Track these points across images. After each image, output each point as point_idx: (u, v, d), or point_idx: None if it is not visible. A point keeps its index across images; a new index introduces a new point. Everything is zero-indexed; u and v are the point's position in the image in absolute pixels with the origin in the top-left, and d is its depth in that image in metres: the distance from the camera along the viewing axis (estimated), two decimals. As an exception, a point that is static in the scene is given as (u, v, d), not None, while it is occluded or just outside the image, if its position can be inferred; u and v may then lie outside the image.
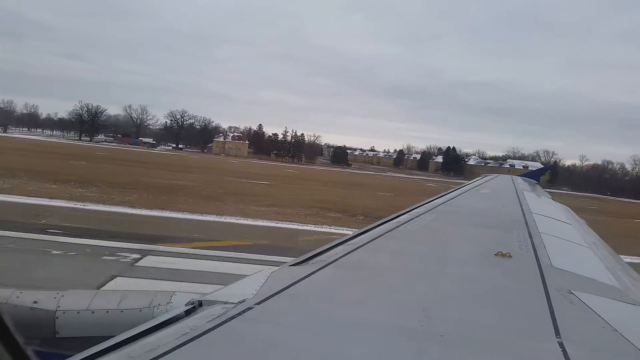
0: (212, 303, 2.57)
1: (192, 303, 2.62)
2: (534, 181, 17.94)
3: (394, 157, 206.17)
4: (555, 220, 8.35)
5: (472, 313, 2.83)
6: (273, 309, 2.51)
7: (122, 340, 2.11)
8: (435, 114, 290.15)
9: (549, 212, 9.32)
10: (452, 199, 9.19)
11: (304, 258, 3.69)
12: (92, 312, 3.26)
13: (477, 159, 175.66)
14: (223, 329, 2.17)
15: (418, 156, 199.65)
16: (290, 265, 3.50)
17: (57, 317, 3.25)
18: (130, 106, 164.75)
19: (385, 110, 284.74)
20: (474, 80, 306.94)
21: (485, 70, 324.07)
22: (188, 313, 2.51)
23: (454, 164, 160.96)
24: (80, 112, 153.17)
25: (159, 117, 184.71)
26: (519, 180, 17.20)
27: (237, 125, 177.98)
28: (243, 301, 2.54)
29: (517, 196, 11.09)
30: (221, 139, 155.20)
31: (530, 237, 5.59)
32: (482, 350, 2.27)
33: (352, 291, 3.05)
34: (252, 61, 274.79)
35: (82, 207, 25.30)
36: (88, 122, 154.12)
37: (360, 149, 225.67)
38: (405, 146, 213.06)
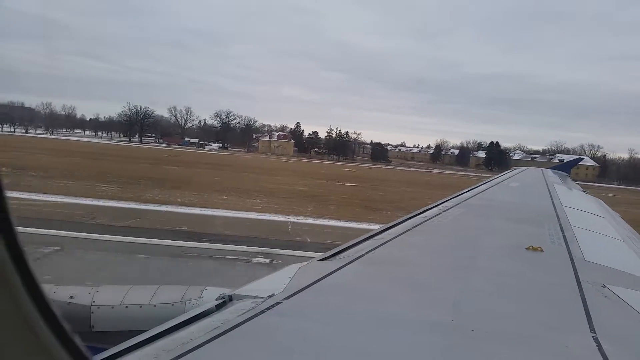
0: (241, 297, 2.61)
1: (223, 297, 2.66)
2: (565, 173, 17.68)
3: (430, 152, 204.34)
4: (587, 213, 8.22)
5: (503, 308, 2.80)
6: (301, 303, 2.53)
7: (156, 334, 2.17)
8: (454, 108, 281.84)
9: (580, 204, 9.18)
10: (480, 193, 9.05)
11: (331, 253, 3.69)
12: (126, 306, 3.36)
13: (522, 154, 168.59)
14: (253, 323, 2.21)
15: (456, 151, 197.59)
16: (318, 261, 3.52)
17: (92, 312, 3.35)
18: (175, 107, 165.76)
19: (402, 104, 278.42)
20: (493, 73, 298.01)
21: (502, 63, 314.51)
22: (219, 307, 2.56)
23: (498, 159, 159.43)
24: (129, 113, 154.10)
25: (199, 117, 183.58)
26: (549, 172, 16.97)
27: (270, 124, 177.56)
28: (272, 296, 2.58)
29: (548, 189, 10.91)
30: (267, 138, 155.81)
31: (562, 230, 5.54)
32: (514, 346, 2.24)
33: (379, 286, 3.05)
34: (267, 58, 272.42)
35: (304, 221, 25.76)
36: (137, 124, 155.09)
37: (390, 145, 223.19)
38: (439, 141, 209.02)
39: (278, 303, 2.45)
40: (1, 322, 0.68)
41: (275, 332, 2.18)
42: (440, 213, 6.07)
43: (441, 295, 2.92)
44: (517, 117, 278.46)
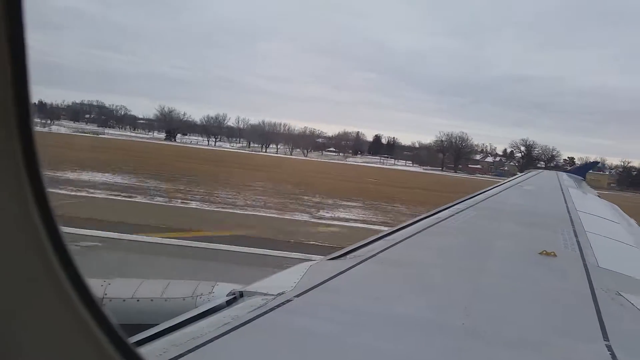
0: (252, 294, 2.60)
1: (233, 293, 2.66)
2: (580, 178, 17.64)
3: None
4: (602, 218, 8.14)
5: (515, 313, 2.80)
6: (311, 301, 2.54)
7: (166, 329, 2.16)
8: (483, 110, 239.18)
9: (595, 209, 9.11)
10: (493, 196, 8.98)
11: (343, 252, 3.68)
12: (137, 300, 3.35)
13: None
14: (263, 319, 2.21)
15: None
16: (329, 259, 3.51)
17: (103, 305, 3.15)
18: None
19: (429, 107, 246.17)
20: (528, 74, 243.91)
21: (541, 63, 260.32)
22: (229, 303, 2.56)
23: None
24: (442, 139, 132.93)
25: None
26: (564, 176, 16.95)
27: (480, 143, 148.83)
28: (282, 293, 2.58)
29: (562, 193, 10.87)
30: (489, 159, 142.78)
31: (576, 235, 5.48)
32: (524, 351, 2.23)
33: (390, 287, 3.05)
34: (297, 56, 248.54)
35: None
36: (452, 151, 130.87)
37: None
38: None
39: (288, 301, 2.48)
40: (49, 312, 0.70)
41: (285, 329, 2.21)
42: (453, 215, 6.12)
43: (452, 298, 2.92)
44: (550, 121, 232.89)
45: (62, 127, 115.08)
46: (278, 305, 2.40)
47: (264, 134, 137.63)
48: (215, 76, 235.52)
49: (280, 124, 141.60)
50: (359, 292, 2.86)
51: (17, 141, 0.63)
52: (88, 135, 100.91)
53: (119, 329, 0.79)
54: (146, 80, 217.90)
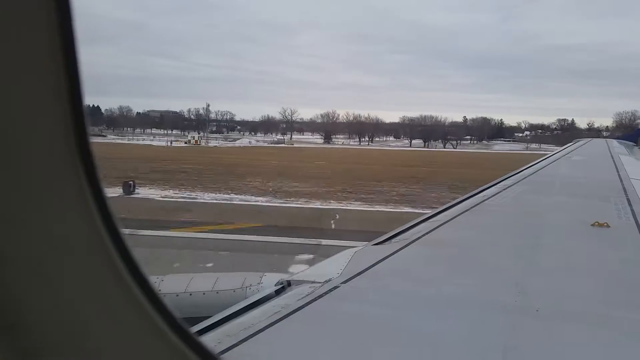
0: (300, 283, 2.65)
1: (282, 283, 2.73)
2: (632, 143, 16.88)
3: None
4: None
5: (569, 287, 2.73)
6: (358, 287, 2.57)
7: (219, 320, 2.24)
8: (522, 83, 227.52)
9: None
10: (541, 169, 8.81)
11: (387, 237, 3.68)
12: (190, 294, 3.45)
13: None
14: (312, 307, 2.26)
15: None
16: (374, 245, 3.52)
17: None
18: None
19: (467, 82, 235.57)
20: (574, 44, 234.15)
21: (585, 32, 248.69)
22: (278, 292, 2.63)
23: None
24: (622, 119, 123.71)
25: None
26: (615, 143, 16.22)
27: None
28: (329, 280, 2.61)
29: (613, 161, 10.53)
30: None
31: (630, 204, 5.34)
32: (581, 325, 2.18)
33: (438, 268, 3.02)
34: (331, 45, 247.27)
35: None
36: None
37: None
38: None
39: (335, 287, 2.51)
40: (118, 309, 0.72)
41: (334, 315, 2.24)
42: (500, 192, 5.99)
43: (504, 276, 2.88)
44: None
45: (243, 139, 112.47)
46: (326, 292, 2.43)
47: (423, 130, 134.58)
48: (253, 72, 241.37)
49: (437, 117, 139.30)
50: (406, 275, 2.85)
51: (74, 147, 0.64)
52: (286, 146, 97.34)
53: (182, 322, 0.81)
54: (186, 82, 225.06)
